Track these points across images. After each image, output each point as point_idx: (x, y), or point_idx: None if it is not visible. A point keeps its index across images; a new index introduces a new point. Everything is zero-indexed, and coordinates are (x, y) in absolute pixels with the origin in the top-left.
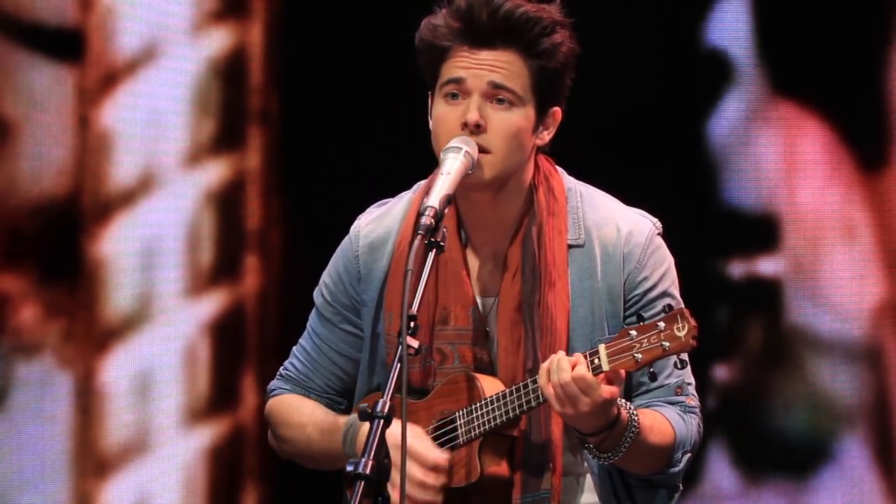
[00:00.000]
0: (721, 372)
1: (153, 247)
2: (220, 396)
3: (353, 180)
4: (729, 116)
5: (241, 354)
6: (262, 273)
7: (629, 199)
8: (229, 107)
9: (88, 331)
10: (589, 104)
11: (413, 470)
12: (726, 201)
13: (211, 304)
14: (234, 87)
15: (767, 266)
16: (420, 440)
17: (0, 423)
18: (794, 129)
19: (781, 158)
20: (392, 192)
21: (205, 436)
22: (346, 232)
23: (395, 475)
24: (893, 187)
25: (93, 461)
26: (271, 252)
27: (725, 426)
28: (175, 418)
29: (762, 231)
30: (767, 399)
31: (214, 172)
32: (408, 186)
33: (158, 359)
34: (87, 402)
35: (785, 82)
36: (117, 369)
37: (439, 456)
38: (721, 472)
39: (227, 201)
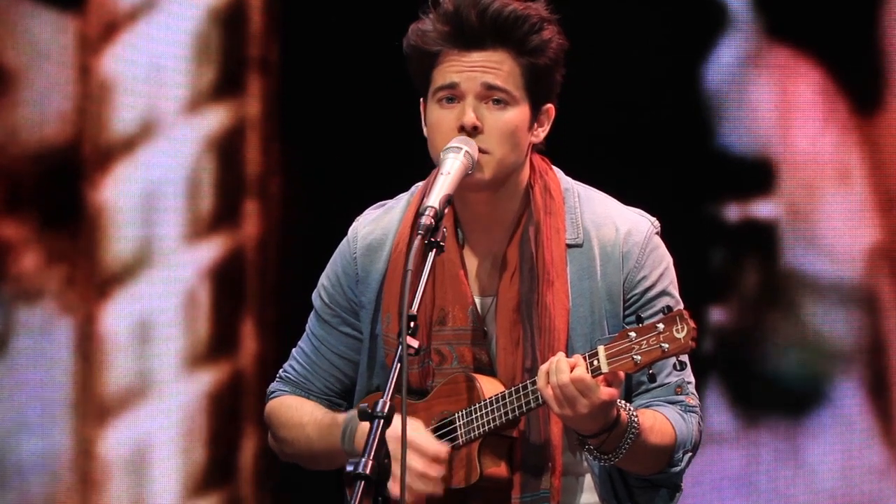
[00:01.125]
0: (717, 315)
1: (153, 194)
2: (219, 342)
3: (353, 127)
4: (724, 62)
5: (240, 300)
6: (262, 219)
7: (624, 146)
8: (229, 55)
9: (89, 277)
10: (583, 51)
11: (414, 462)
12: (722, 146)
13: (211, 250)
14: (234, 34)
15: (763, 209)
16: (420, 433)
17: (1, 368)
18: (789, 75)
19: (776, 103)
20: (391, 160)
21: (204, 381)
22: (346, 178)
23: (396, 468)
24: (887, 131)
25: (93, 407)
26: (271, 198)
27: (721, 369)
28: (175, 364)
29: (758, 175)
30: (763, 342)
31: (214, 119)
32: (407, 180)
33: (158, 305)
34: (88, 347)
35: (780, 28)
36: (118, 315)
37: (440, 447)
38: (717, 414)
39: (226, 148)
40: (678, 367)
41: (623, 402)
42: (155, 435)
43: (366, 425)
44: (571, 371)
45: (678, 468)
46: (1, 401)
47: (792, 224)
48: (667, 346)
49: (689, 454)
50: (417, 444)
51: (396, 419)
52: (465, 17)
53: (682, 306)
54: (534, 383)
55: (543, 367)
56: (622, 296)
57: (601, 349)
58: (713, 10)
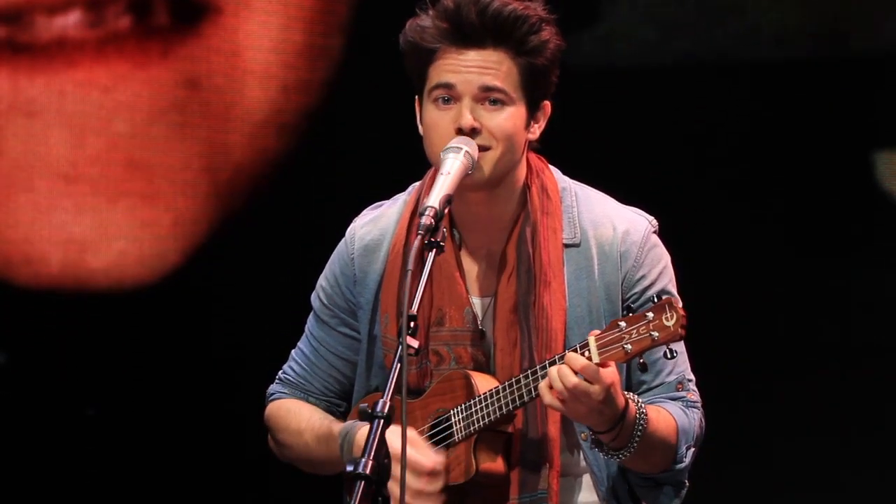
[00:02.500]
0: None
1: None
2: None
3: (351, 126)
4: None
5: None
6: None
7: None
8: None
9: None
10: None
11: (410, 480)
12: None
13: None
14: None
15: None
16: (414, 446)
17: None
18: None
19: None
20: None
21: None
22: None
23: (393, 485)
24: None
25: None
26: None
27: None
28: None
29: None
30: None
31: None
32: (404, 182)
33: None
34: None
35: None
36: None
37: (435, 460)
38: None
39: None
40: (669, 356)
41: (630, 393)
42: None
43: (363, 436)
44: (572, 370)
45: (683, 464)
46: None
47: None
48: (657, 334)
49: (693, 449)
50: (413, 460)
51: (393, 428)
52: (465, 15)
53: (680, 303)
54: (527, 377)
55: (544, 384)
56: (621, 295)
57: (591, 339)
58: None
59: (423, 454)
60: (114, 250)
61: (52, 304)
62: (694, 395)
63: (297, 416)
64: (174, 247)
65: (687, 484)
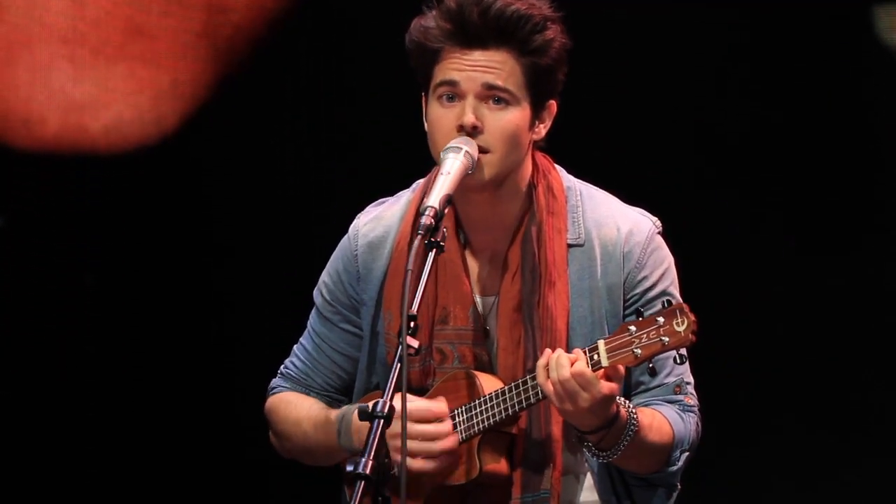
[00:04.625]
0: None
1: None
2: None
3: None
4: None
5: None
6: None
7: None
8: None
9: None
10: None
11: (419, 429)
12: None
13: None
14: None
15: None
16: (414, 402)
17: None
18: None
19: None
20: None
21: None
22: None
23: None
24: None
25: None
26: None
27: None
28: None
29: None
30: None
31: None
32: (407, 184)
33: None
34: None
35: None
36: None
37: (440, 405)
38: None
39: None
40: (678, 361)
41: (623, 399)
42: None
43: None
44: (572, 365)
45: (675, 467)
46: None
47: None
48: (667, 339)
49: (687, 454)
50: (417, 415)
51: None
52: (467, 15)
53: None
54: (534, 379)
55: (542, 362)
56: (622, 295)
57: (601, 343)
58: None
59: (421, 406)
60: (112, 113)
61: (49, 166)
62: (691, 399)
63: (296, 407)
64: (173, 110)
65: (679, 486)
